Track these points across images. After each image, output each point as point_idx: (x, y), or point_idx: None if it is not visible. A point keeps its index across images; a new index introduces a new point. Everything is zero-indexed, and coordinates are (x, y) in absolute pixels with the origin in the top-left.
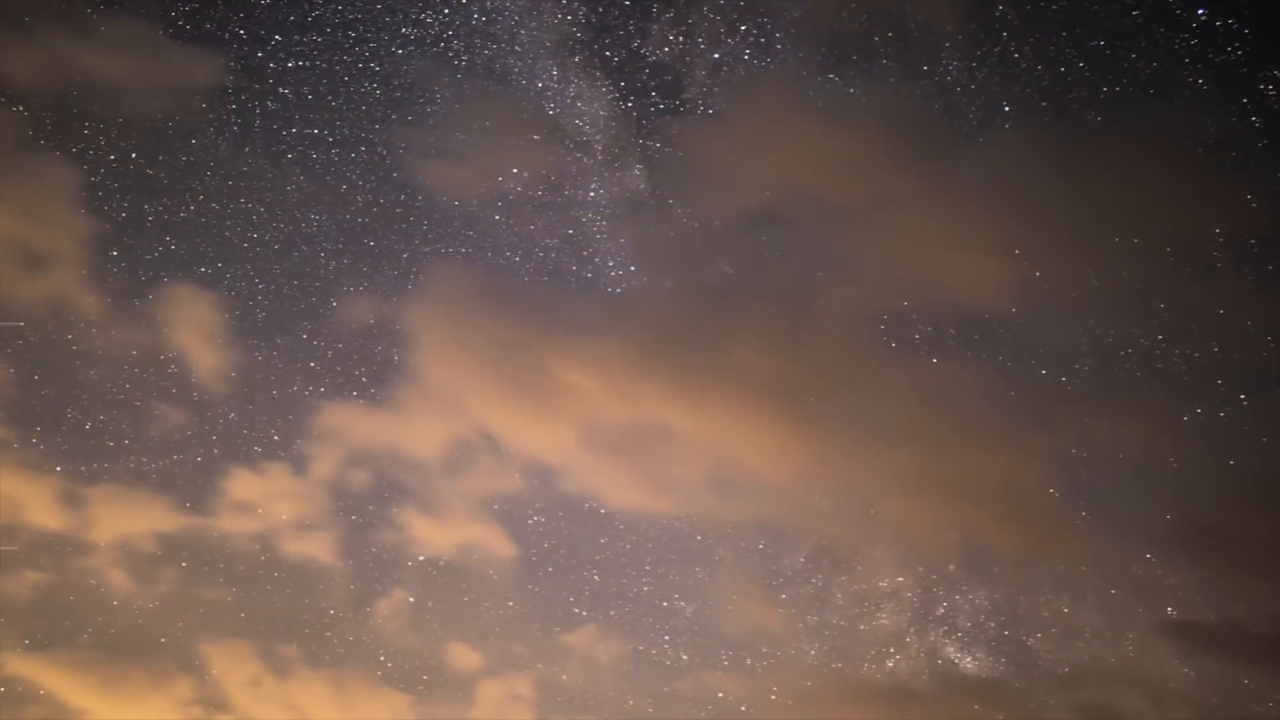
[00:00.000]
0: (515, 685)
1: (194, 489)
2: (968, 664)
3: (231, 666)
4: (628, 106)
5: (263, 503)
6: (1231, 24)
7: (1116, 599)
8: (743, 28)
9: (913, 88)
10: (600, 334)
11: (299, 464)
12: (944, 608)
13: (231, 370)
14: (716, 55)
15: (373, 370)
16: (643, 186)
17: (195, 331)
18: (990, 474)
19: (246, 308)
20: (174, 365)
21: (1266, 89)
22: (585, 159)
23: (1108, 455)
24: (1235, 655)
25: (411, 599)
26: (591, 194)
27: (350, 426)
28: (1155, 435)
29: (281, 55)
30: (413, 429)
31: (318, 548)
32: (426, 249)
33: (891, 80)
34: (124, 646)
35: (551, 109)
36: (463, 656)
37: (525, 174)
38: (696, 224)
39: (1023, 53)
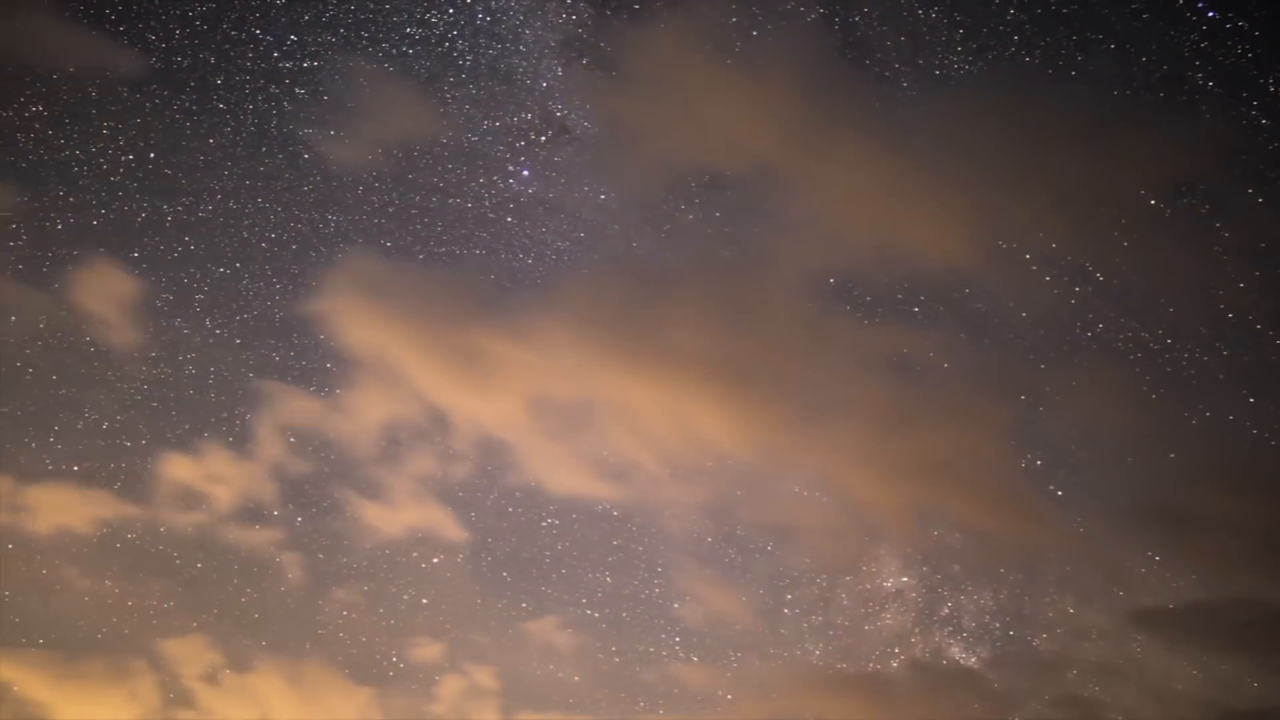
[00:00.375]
0: (477, 677)
1: (136, 479)
2: (972, 663)
3: (186, 660)
4: None
5: (227, 487)
6: (1241, 25)
7: (1119, 597)
8: (754, 33)
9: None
10: (551, 315)
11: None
12: (949, 608)
13: (248, 372)
14: (730, 61)
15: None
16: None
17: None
18: (969, 455)
19: (265, 308)
20: (191, 367)
21: (1276, 90)
22: (589, 158)
23: (1105, 448)
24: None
25: (366, 589)
26: (601, 196)
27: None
28: (1160, 433)
29: (297, 56)
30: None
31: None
32: (442, 250)
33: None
34: (74, 641)
35: (559, 110)
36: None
37: (531, 174)
38: (634, 198)
39: (1032, 55)
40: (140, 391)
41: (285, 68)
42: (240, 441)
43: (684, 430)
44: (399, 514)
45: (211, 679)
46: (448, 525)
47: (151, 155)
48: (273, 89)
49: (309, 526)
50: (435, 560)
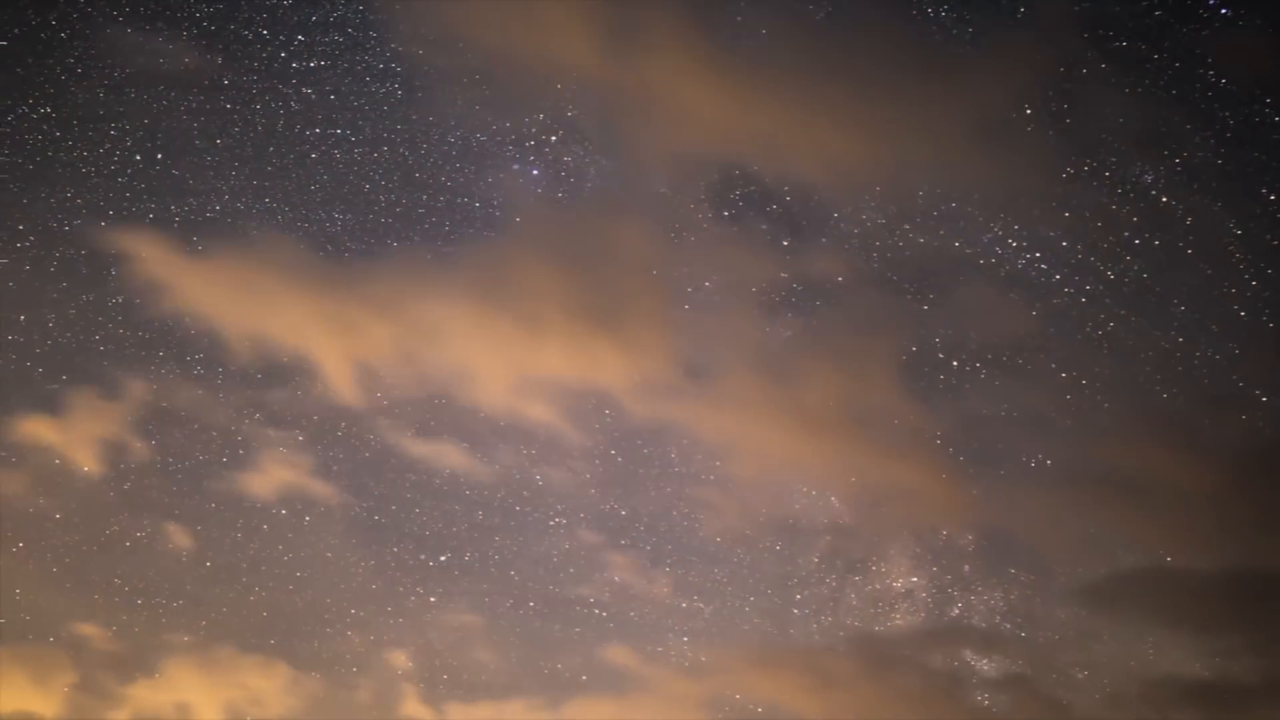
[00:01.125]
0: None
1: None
2: (982, 663)
3: (97, 645)
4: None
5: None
6: (1254, 21)
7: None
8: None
9: None
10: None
11: None
12: (959, 608)
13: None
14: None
15: None
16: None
17: None
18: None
19: None
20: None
21: None
22: (603, 160)
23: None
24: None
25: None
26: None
27: None
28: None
29: (305, 56)
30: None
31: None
32: (449, 249)
33: None
34: None
35: (571, 111)
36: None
37: (544, 174)
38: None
39: (1042, 52)
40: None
41: (293, 68)
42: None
43: (567, 385)
44: (275, 481)
45: (113, 662)
46: (333, 497)
47: (159, 156)
48: (280, 89)
49: (192, 497)
50: (319, 529)
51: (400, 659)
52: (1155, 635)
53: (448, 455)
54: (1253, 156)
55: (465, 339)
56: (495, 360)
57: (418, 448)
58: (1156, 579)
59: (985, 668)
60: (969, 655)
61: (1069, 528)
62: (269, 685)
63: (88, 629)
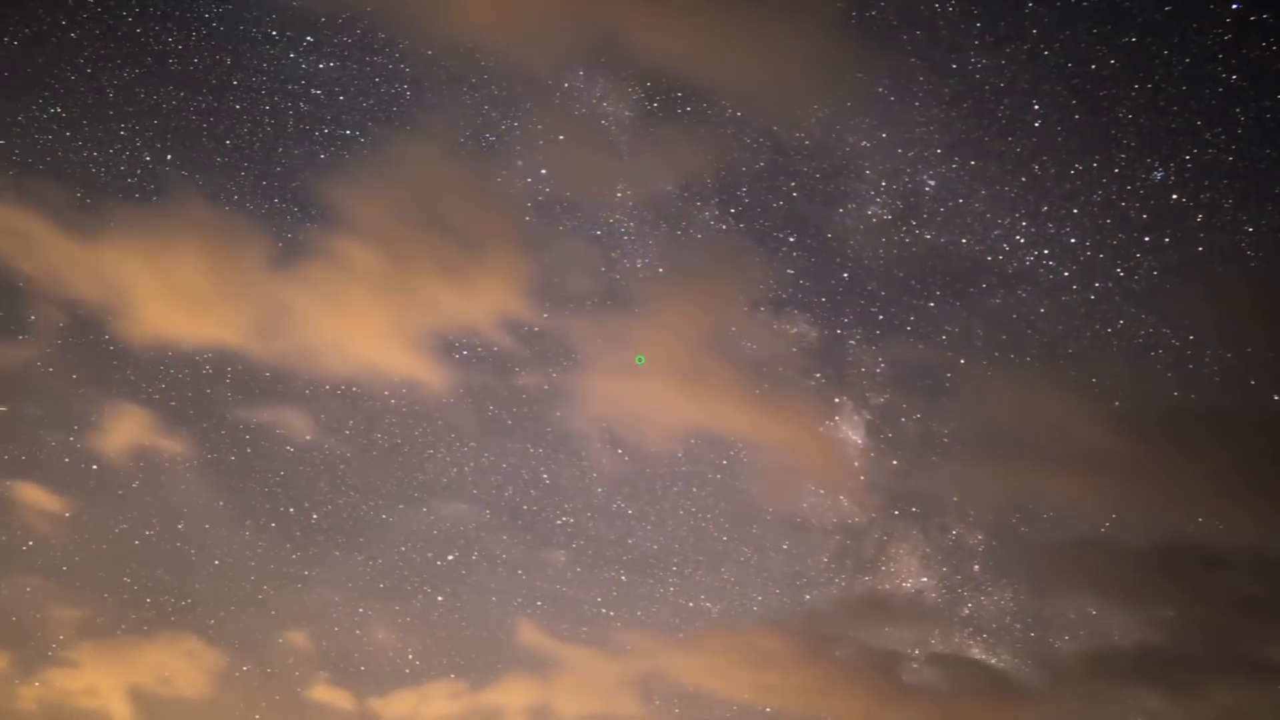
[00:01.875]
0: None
1: None
2: (992, 662)
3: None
4: (653, 108)
5: None
6: (1265, 18)
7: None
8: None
9: None
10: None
11: None
12: (969, 608)
13: None
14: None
15: None
16: (670, 188)
17: None
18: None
19: None
20: None
21: None
22: (611, 160)
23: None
24: None
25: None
26: (618, 195)
27: None
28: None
29: (314, 56)
30: None
31: None
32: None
33: None
34: None
35: (579, 110)
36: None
37: (553, 176)
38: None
39: (1053, 50)
40: None
41: (302, 69)
42: None
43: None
44: (126, 439)
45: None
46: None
47: (169, 156)
48: (289, 89)
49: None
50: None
51: (299, 639)
52: (1094, 608)
53: (293, 421)
54: (1264, 154)
55: (329, 297)
56: (361, 312)
57: (262, 413)
58: (1096, 551)
59: (916, 642)
60: (900, 629)
61: (1012, 501)
62: (176, 663)
63: None
